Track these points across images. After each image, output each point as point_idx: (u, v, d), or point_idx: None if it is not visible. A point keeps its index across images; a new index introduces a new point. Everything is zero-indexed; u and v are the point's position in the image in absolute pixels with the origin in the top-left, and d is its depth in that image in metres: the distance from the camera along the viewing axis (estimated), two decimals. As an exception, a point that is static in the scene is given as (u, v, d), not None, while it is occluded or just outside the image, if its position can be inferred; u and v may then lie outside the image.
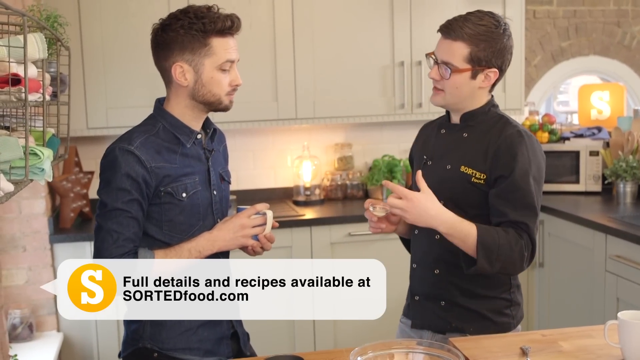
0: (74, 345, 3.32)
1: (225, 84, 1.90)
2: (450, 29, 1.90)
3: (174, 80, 1.90)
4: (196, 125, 1.98)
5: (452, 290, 2.00)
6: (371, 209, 1.95)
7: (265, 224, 1.95)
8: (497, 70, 1.92)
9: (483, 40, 1.87)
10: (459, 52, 1.89)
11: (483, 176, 1.92)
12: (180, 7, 3.38)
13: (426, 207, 1.82)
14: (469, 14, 1.92)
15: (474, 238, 1.83)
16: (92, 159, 3.84)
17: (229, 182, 2.12)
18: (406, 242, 2.18)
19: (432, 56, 1.97)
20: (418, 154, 2.12)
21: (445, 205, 1.89)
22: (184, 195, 1.92)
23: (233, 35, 1.91)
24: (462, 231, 1.84)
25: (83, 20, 3.42)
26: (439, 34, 1.96)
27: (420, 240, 2.05)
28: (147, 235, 1.92)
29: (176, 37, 1.85)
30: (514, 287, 2.05)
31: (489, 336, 1.93)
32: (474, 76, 1.92)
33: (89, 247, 3.28)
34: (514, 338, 1.88)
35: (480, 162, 1.93)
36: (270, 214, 1.96)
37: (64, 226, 3.41)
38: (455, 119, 2.02)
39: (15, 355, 2.80)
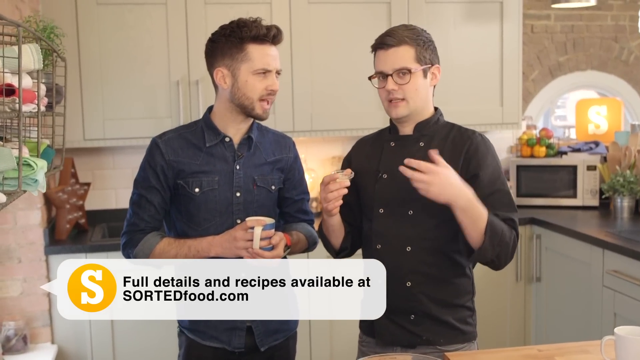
0: (68, 357, 3.30)
1: (260, 88, 2.02)
2: (391, 38, 1.95)
3: (217, 84, 2.06)
4: (234, 128, 2.10)
5: (424, 301, 1.96)
6: (340, 176, 1.85)
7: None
8: (439, 66, 2.00)
9: (421, 40, 1.96)
10: (407, 55, 1.94)
11: None
12: (178, 20, 3.50)
13: (450, 179, 1.81)
14: (392, 28, 1.99)
15: (485, 218, 1.83)
16: (88, 170, 3.84)
17: (269, 189, 2.13)
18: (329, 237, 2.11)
19: (379, 74, 1.97)
20: (364, 170, 2.02)
21: (414, 214, 1.91)
22: (196, 190, 2.06)
23: (271, 44, 2.03)
24: (478, 208, 1.83)
25: (81, 31, 3.42)
26: (374, 54, 1.99)
27: (385, 255, 1.98)
28: (173, 221, 2.13)
29: (218, 45, 2.03)
30: (473, 295, 2.07)
31: (485, 351, 1.92)
32: (425, 75, 1.97)
33: (84, 258, 3.27)
34: (510, 353, 1.87)
35: (451, 166, 1.88)
36: (258, 230, 1.91)
37: (60, 237, 3.40)
38: (406, 130, 2.01)
39: (9, 367, 2.79)
